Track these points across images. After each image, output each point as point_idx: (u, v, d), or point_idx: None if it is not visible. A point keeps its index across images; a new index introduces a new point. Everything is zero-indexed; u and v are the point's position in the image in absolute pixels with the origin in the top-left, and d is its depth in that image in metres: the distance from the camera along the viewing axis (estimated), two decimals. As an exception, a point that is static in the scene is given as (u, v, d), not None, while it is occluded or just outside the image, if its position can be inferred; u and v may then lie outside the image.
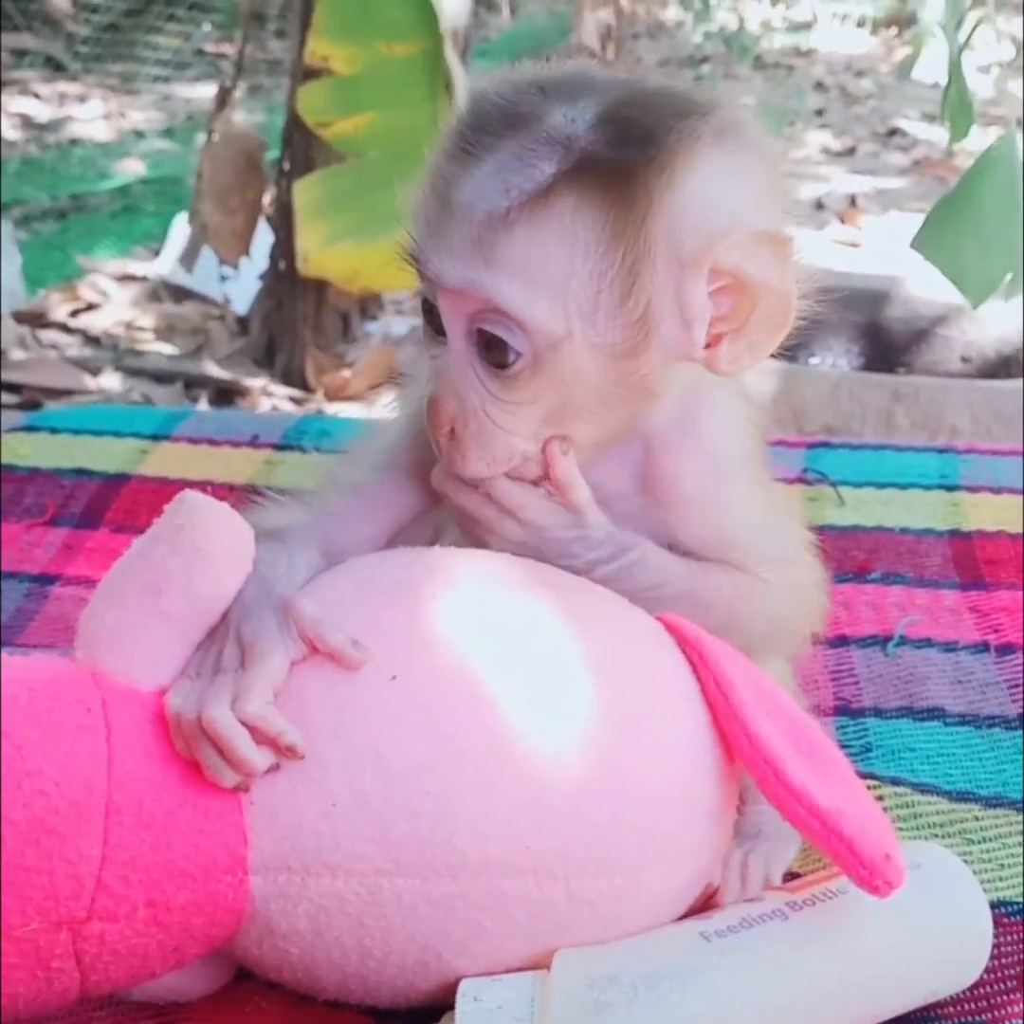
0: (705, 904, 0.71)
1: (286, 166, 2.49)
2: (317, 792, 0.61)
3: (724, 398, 0.73)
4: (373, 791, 0.61)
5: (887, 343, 2.64)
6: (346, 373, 2.58)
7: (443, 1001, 0.63)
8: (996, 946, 0.70)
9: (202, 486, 1.18)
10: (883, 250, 3.38)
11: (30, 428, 1.36)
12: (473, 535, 0.72)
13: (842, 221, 3.73)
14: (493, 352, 0.66)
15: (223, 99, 2.47)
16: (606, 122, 0.64)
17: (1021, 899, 0.76)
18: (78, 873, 0.59)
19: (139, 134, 4.28)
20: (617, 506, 0.72)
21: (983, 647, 1.01)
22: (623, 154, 0.63)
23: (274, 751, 0.61)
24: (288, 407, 2.52)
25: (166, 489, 1.18)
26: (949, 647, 1.01)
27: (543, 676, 0.64)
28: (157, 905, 0.61)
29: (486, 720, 0.63)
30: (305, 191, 2.05)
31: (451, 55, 1.96)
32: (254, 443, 1.30)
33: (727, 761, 0.68)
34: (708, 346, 0.67)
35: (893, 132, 4.75)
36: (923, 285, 2.47)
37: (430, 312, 0.69)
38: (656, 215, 0.64)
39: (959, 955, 0.70)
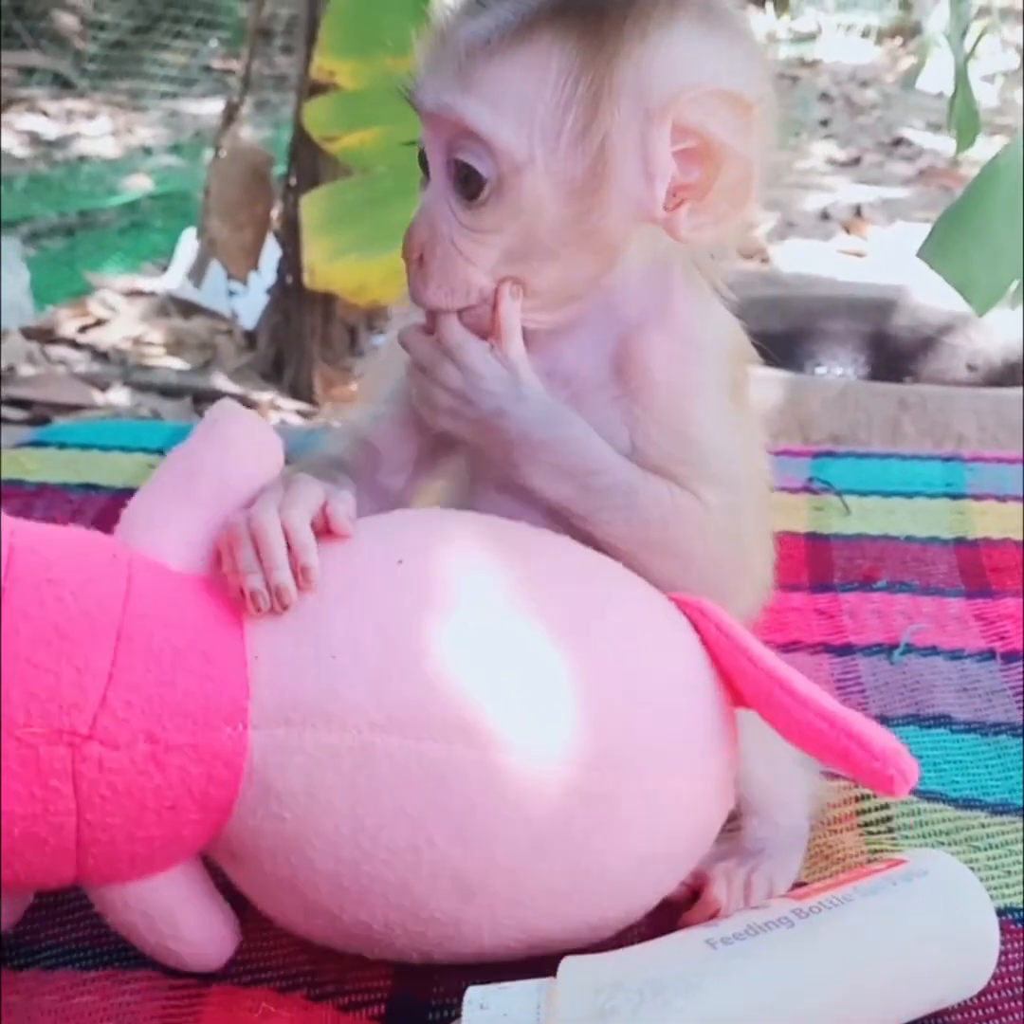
0: (705, 914, 0.72)
1: (293, 181, 2.50)
2: (320, 646, 0.64)
3: (701, 289, 0.74)
4: (372, 650, 0.64)
5: (893, 352, 2.64)
6: (353, 386, 2.59)
7: (438, 925, 0.64)
8: (1003, 953, 0.70)
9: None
10: (889, 260, 3.39)
11: (38, 443, 1.36)
12: (422, 390, 0.73)
13: (848, 231, 3.74)
14: (466, 184, 0.70)
15: (230, 115, 2.48)
16: None
17: (1026, 906, 0.76)
18: (83, 682, 0.61)
19: (147, 150, 4.30)
20: (590, 395, 0.73)
21: (989, 655, 1.00)
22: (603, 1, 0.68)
23: (293, 571, 0.65)
24: (296, 421, 2.53)
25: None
26: (955, 655, 1.00)
27: (546, 585, 0.67)
28: (157, 741, 0.62)
29: (484, 596, 0.66)
30: (312, 205, 2.06)
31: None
32: (261, 456, 1.29)
33: (726, 703, 0.69)
34: (671, 209, 0.69)
35: (898, 142, 4.77)
36: (929, 294, 2.48)
37: (422, 156, 0.73)
38: (626, 58, 0.68)
39: (966, 962, 0.70)
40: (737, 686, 0.69)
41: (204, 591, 0.66)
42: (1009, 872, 0.79)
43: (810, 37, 6.60)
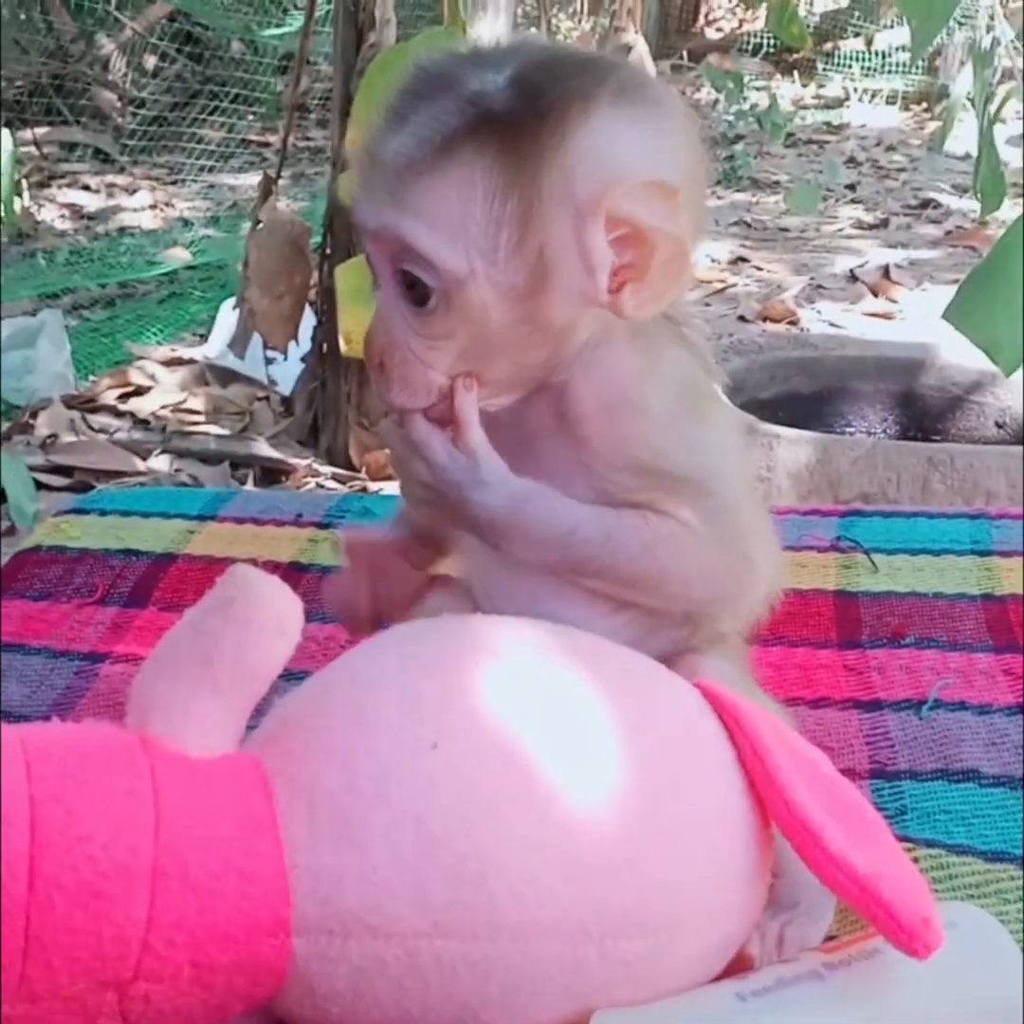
0: (739, 968, 0.72)
1: (328, 250, 2.55)
2: (359, 856, 0.63)
3: (638, 337, 0.77)
4: (413, 855, 0.63)
5: (922, 411, 2.65)
6: (388, 451, 2.61)
7: None
8: (1034, 1004, 0.71)
9: (248, 563, 1.22)
10: (917, 321, 3.41)
11: (79, 511, 1.38)
12: (401, 477, 0.81)
13: (876, 294, 3.76)
14: (414, 291, 0.73)
15: (268, 187, 2.53)
16: (514, 83, 0.70)
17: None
18: (125, 935, 0.60)
19: (186, 223, 4.38)
20: (554, 449, 0.77)
21: (1017, 709, 1.01)
22: (518, 111, 0.70)
23: None
24: (333, 485, 2.56)
25: (212, 568, 1.21)
26: (983, 710, 1.01)
27: (579, 742, 0.66)
28: (201, 966, 0.62)
29: (524, 785, 0.64)
30: (346, 274, 2.10)
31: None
32: (297, 522, 1.32)
33: (762, 826, 0.69)
34: (614, 291, 0.72)
35: (925, 204, 4.80)
36: (957, 353, 2.49)
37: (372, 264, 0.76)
38: (548, 167, 0.69)
39: (996, 1013, 0.70)
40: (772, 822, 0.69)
41: (229, 778, 0.65)
42: None
43: (837, 103, 6.66)
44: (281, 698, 0.70)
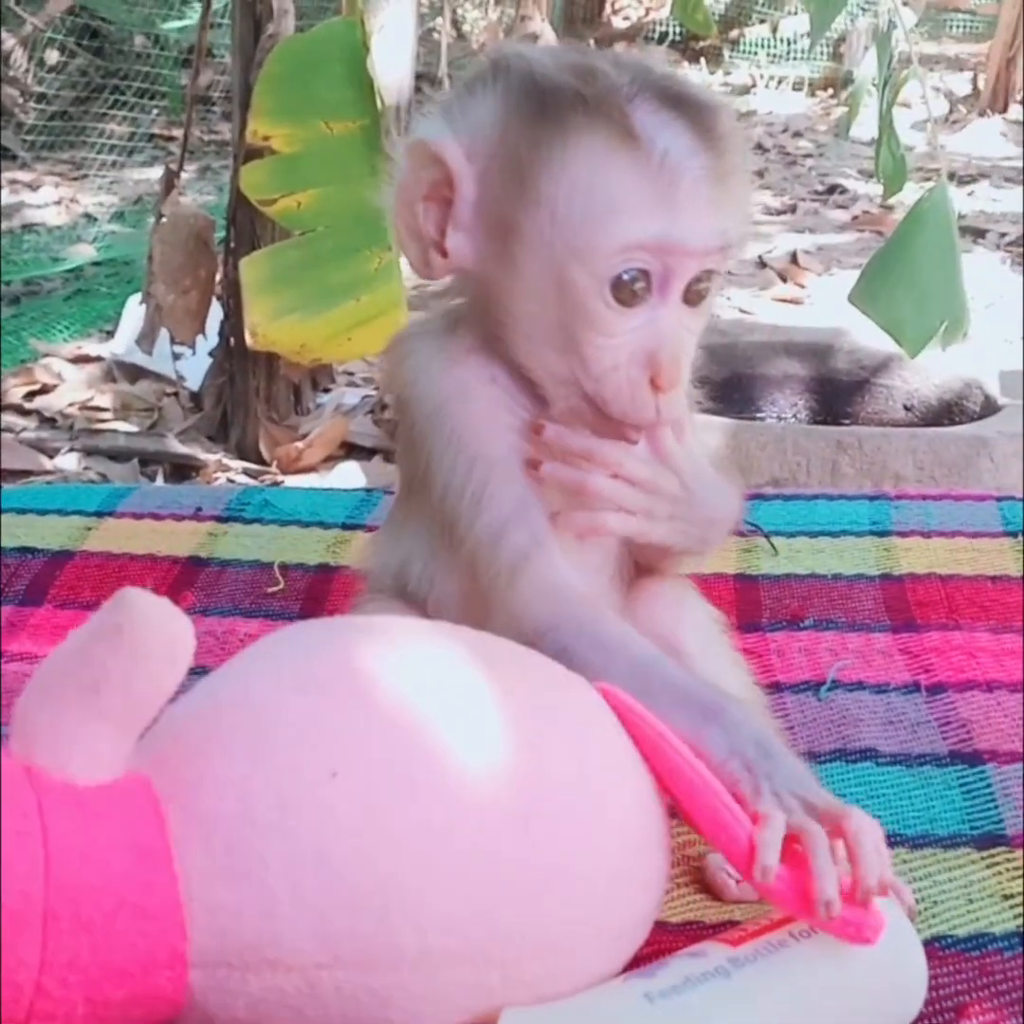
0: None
1: (233, 244, 2.52)
2: (258, 890, 0.62)
3: None
4: (314, 889, 0.62)
5: (832, 395, 2.68)
6: (300, 445, 2.60)
7: None
8: (932, 979, 0.71)
9: (146, 559, 1.22)
10: (826, 306, 3.44)
11: (-24, 511, 1.36)
12: (640, 506, 0.81)
13: (784, 279, 3.80)
14: (696, 291, 0.78)
15: (170, 181, 2.50)
16: None
17: (953, 933, 0.77)
18: (17, 980, 0.59)
19: (90, 218, 4.31)
20: None
21: (914, 687, 1.02)
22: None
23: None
24: (245, 480, 2.53)
25: (110, 564, 1.21)
26: (880, 689, 1.02)
27: (480, 768, 0.65)
28: (96, 1002, 0.61)
29: (426, 812, 0.63)
30: (252, 267, 2.07)
31: (392, 131, 2.00)
32: (197, 516, 1.30)
33: (664, 835, 0.70)
34: None
35: (832, 189, 4.84)
36: (865, 337, 2.52)
37: (625, 284, 0.76)
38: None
39: (899, 997, 0.70)
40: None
41: (120, 808, 0.63)
42: (935, 901, 0.80)
43: (744, 90, 6.71)
44: (172, 704, 0.68)
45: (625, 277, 0.75)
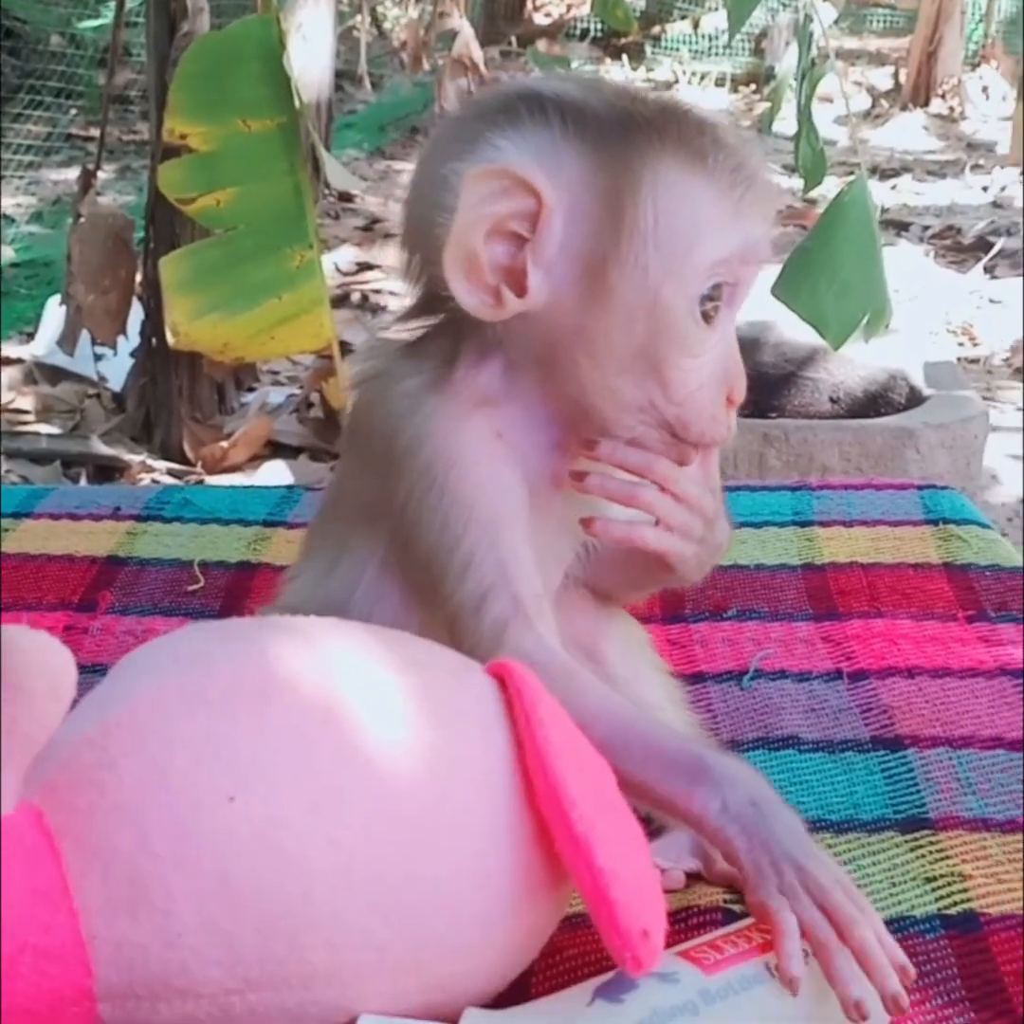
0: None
1: (152, 243, 2.50)
2: (162, 923, 0.60)
3: None
4: (220, 917, 0.60)
5: (759, 388, 2.69)
6: (224, 444, 2.58)
7: None
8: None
9: (64, 560, 1.20)
10: (752, 299, 3.46)
11: None
12: (681, 523, 0.80)
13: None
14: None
15: (87, 181, 2.47)
16: None
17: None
18: None
19: (9, 219, 4.25)
20: None
21: (836, 675, 1.03)
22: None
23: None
24: (169, 480, 2.51)
25: (27, 566, 1.20)
26: (803, 677, 1.03)
27: (385, 776, 0.64)
28: None
29: (328, 826, 0.62)
30: (171, 266, 2.05)
31: (311, 128, 1.99)
32: (115, 515, 1.29)
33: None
34: None
35: (756, 184, 4.87)
36: (791, 329, 2.53)
37: (705, 306, 0.77)
38: None
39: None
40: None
41: (14, 848, 0.60)
42: (859, 886, 0.79)
43: (666, 86, 6.74)
44: (63, 722, 0.64)
45: (711, 293, 0.76)
